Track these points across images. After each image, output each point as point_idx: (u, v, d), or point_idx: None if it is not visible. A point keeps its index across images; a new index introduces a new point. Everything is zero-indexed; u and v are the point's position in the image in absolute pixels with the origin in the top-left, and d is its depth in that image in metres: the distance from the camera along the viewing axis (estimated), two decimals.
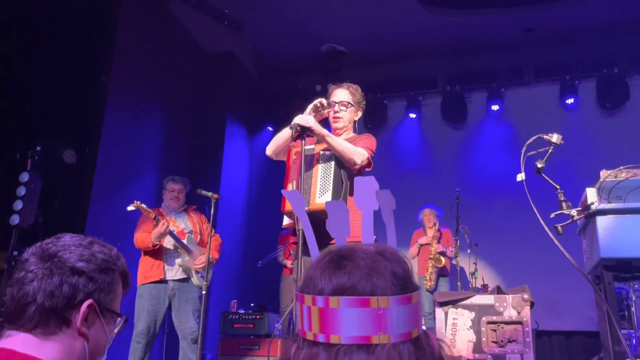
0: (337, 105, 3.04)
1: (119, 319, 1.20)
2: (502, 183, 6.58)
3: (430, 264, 6.26)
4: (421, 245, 6.48)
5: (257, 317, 5.41)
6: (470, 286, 6.17)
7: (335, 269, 0.79)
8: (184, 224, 4.58)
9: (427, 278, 6.27)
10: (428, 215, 6.50)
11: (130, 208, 4.27)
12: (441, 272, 6.35)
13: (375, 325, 0.75)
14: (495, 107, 7.77)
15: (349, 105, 3.08)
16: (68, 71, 5.09)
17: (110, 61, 5.52)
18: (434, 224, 6.44)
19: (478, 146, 7.83)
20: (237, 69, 7.92)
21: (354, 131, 3.17)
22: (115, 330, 1.21)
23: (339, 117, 3.05)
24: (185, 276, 4.39)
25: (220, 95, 7.59)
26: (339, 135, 3.06)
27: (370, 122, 8.12)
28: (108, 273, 1.16)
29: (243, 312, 5.54)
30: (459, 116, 7.94)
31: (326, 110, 2.94)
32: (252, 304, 5.90)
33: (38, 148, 4.48)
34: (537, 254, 6.06)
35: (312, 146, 2.90)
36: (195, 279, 4.40)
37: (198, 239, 4.58)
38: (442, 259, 6.26)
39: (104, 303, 1.15)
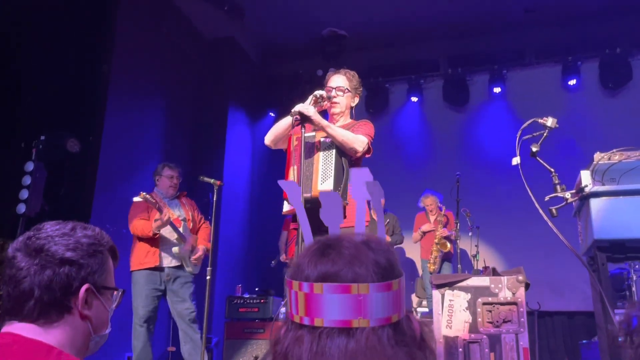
0: (333, 90, 3.07)
1: (115, 292, 1.24)
2: (504, 165, 6.54)
3: (435, 249, 6.30)
4: (424, 232, 6.51)
5: (262, 301, 5.50)
6: (473, 268, 6.23)
7: (321, 257, 0.84)
8: (178, 211, 4.61)
9: (431, 262, 6.31)
10: (430, 205, 6.52)
11: (137, 199, 4.30)
12: (445, 257, 6.39)
13: (355, 310, 0.80)
14: (497, 89, 7.75)
15: (346, 90, 3.11)
16: (69, 61, 5.11)
17: (111, 49, 5.55)
18: (439, 209, 6.46)
19: (480, 129, 7.83)
20: (238, 55, 7.92)
21: (351, 117, 3.20)
22: (114, 304, 1.25)
23: (335, 103, 3.08)
24: (180, 264, 4.44)
25: (221, 82, 7.60)
26: (335, 121, 3.09)
27: (372, 106, 8.12)
28: (97, 255, 1.19)
29: (248, 296, 5.63)
30: (461, 99, 7.92)
31: (325, 103, 2.98)
32: (256, 289, 6.00)
33: (42, 138, 4.53)
34: (539, 235, 6.07)
35: (313, 133, 2.94)
36: (189, 268, 4.46)
37: (191, 226, 4.61)
38: (448, 244, 6.29)
39: (99, 282, 1.19)
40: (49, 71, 5.07)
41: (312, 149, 2.91)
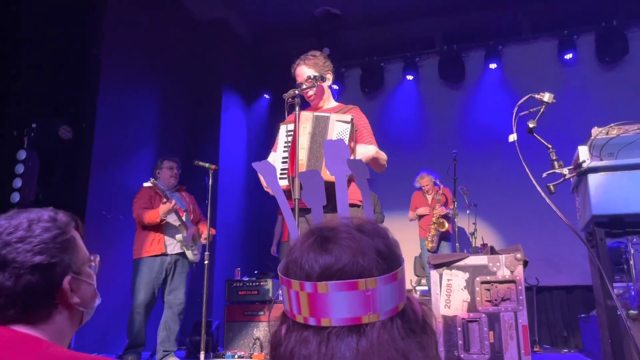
0: (303, 86, 3.00)
1: (93, 263, 1.20)
2: (501, 141, 6.52)
3: (433, 227, 6.31)
4: (420, 215, 6.50)
5: (261, 283, 5.51)
6: (471, 246, 6.24)
7: (320, 251, 0.79)
8: (180, 202, 4.70)
9: (429, 239, 6.32)
10: (426, 186, 6.50)
11: (147, 184, 4.38)
12: (443, 235, 6.39)
13: (364, 306, 0.76)
14: (493, 66, 7.69)
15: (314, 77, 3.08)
16: (59, 46, 5.03)
17: (100, 33, 5.45)
18: (436, 186, 6.45)
19: (476, 105, 7.78)
20: (230, 36, 7.81)
21: (335, 98, 3.21)
22: (96, 272, 1.21)
23: (312, 95, 3.06)
24: (182, 251, 4.57)
25: (214, 64, 7.51)
26: (319, 108, 3.08)
27: (367, 85, 8.05)
28: (66, 244, 1.12)
29: (247, 279, 5.64)
30: (457, 76, 7.85)
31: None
32: (255, 271, 6.00)
33: (33, 125, 4.48)
34: (537, 211, 6.08)
35: (328, 114, 2.91)
36: (190, 255, 4.57)
37: (191, 217, 4.74)
38: (446, 223, 6.28)
39: (77, 266, 1.14)
40: (39, 57, 4.99)
41: (324, 130, 2.86)
